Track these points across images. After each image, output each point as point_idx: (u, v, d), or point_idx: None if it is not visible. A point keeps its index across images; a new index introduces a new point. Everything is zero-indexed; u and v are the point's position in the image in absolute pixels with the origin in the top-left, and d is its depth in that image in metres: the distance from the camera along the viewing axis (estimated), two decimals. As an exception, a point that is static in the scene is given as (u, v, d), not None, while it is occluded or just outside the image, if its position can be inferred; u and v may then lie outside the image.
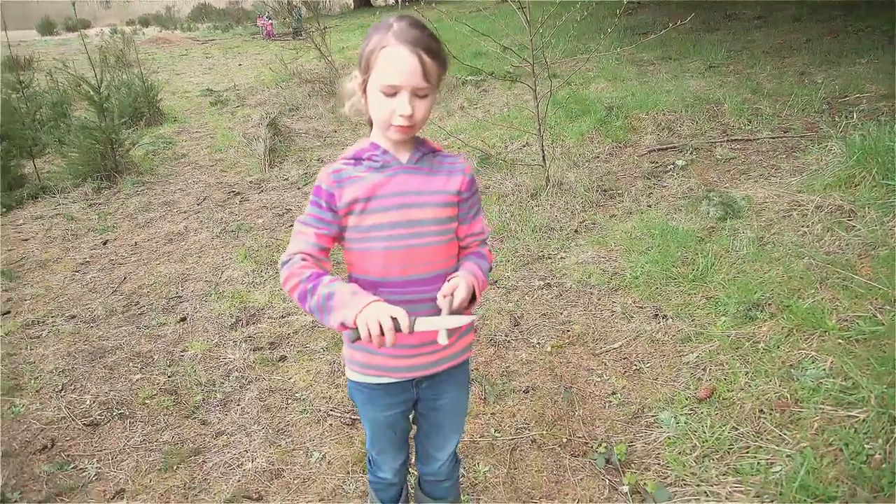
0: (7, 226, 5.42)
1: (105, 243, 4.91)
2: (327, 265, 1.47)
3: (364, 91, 1.44)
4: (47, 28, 31.01)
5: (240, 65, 15.04)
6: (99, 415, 2.79)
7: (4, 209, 5.74)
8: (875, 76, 6.29)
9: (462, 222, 1.56)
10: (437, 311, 1.45)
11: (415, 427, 1.79)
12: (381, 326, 1.28)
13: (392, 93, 1.37)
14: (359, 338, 1.30)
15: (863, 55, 7.20)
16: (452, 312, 1.42)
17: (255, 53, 17.07)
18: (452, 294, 1.44)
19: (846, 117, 5.26)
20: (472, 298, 1.50)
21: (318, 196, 1.46)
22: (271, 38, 20.79)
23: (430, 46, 1.38)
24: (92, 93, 6.25)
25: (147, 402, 2.87)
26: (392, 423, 1.68)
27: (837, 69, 6.87)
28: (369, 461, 1.83)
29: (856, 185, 3.92)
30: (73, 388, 3.00)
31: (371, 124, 1.54)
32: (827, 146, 4.69)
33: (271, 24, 21.59)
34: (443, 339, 1.36)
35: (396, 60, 1.35)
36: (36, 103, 7.90)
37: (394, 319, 1.30)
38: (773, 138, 5.30)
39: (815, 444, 2.17)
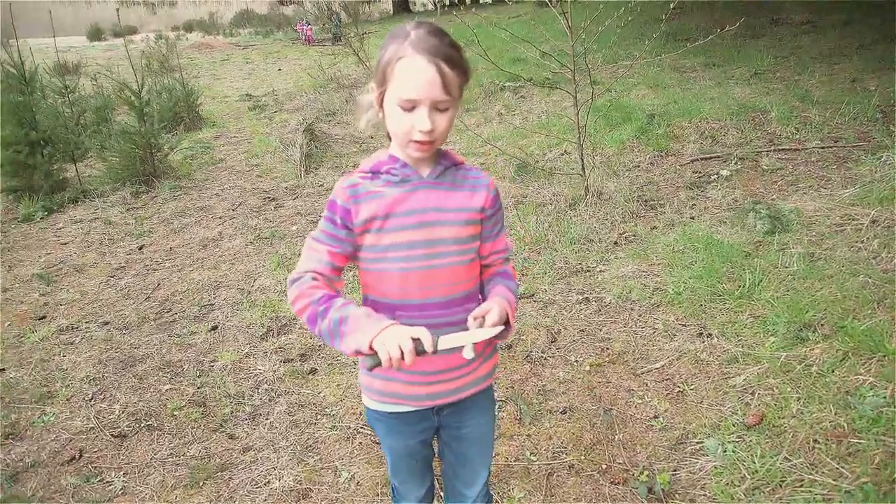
0: (47, 229, 5.51)
1: (141, 248, 4.94)
2: (339, 285, 1.39)
3: (381, 105, 1.35)
4: (96, 34, 31.77)
5: (279, 70, 15.18)
6: (127, 426, 2.76)
7: (46, 213, 5.83)
8: (932, 83, 6.02)
9: (485, 240, 1.47)
10: None
11: (439, 460, 1.69)
12: (401, 349, 1.20)
13: (410, 107, 1.28)
14: (377, 364, 1.21)
15: (919, 61, 6.90)
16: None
17: (294, 59, 17.24)
18: (483, 317, 1.35)
19: (902, 126, 5.03)
20: (506, 325, 1.40)
21: (332, 212, 1.37)
22: (311, 43, 20.99)
23: (450, 56, 1.28)
24: (133, 98, 6.33)
25: (175, 413, 2.84)
26: (412, 452, 1.59)
27: (892, 76, 6.59)
28: (393, 490, 1.73)
29: (915, 198, 3.72)
30: (102, 397, 2.99)
31: (390, 136, 1.46)
32: (882, 157, 4.47)
33: (311, 29, 21.80)
34: (468, 354, 1.28)
35: (414, 72, 1.25)
36: (80, 108, 8.04)
37: (415, 340, 1.21)
38: (823, 148, 5.09)
39: (878, 479, 2.01)
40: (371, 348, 1.22)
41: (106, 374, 3.17)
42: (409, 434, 1.55)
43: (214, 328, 3.59)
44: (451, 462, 1.64)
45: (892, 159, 4.33)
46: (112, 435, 2.71)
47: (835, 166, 4.72)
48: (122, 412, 2.86)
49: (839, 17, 9.98)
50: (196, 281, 4.24)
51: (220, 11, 40.76)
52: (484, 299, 1.49)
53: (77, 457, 2.57)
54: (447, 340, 1.26)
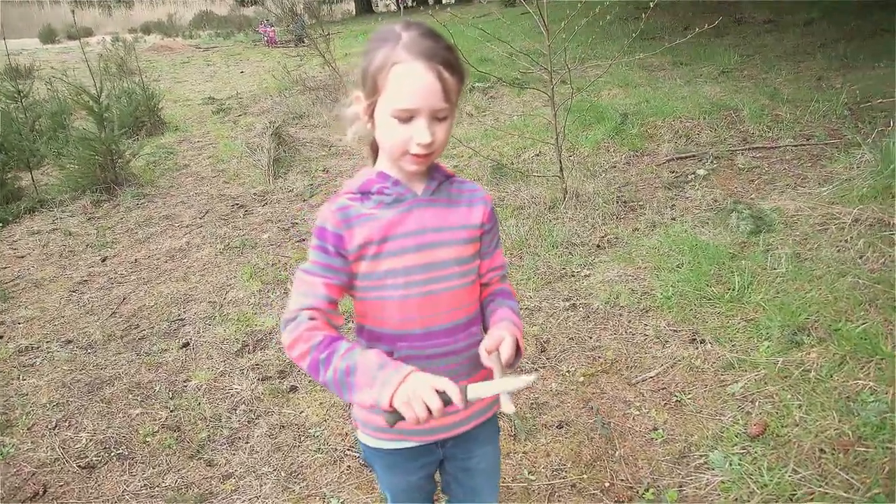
0: (2, 242, 5.23)
1: (104, 260, 4.71)
2: (338, 320, 1.24)
3: (371, 116, 1.21)
4: (49, 36, 30.77)
5: (242, 72, 14.85)
6: (96, 456, 2.58)
7: (0, 224, 5.55)
8: (896, 80, 6.11)
9: (483, 256, 1.37)
10: (463, 365, 1.29)
11: (443, 495, 1.57)
12: (427, 407, 1.08)
13: (407, 117, 1.15)
14: (400, 420, 1.09)
15: (880, 59, 7.01)
16: (504, 369, 1.22)
17: (257, 61, 16.89)
18: (498, 349, 1.24)
19: (870, 123, 5.07)
20: (517, 351, 1.29)
21: (322, 240, 1.23)
22: (273, 45, 20.62)
23: (449, 60, 1.16)
24: (91, 103, 6.07)
25: (148, 440, 2.66)
26: (415, 488, 1.47)
27: (855, 73, 6.69)
28: None
29: (893, 197, 3.72)
30: (67, 424, 2.79)
31: (374, 150, 1.32)
32: (856, 154, 4.49)
33: (273, 30, 21.43)
34: (509, 408, 1.13)
35: (412, 80, 1.13)
36: (35, 113, 7.71)
37: (441, 393, 1.09)
38: (796, 146, 5.11)
39: (890, 490, 1.96)
40: (391, 405, 1.09)
41: (71, 399, 2.97)
42: (411, 470, 1.42)
43: (186, 345, 3.41)
44: (458, 496, 1.51)
45: (865, 157, 4.34)
46: (79, 466, 2.52)
47: (809, 164, 4.74)
48: (90, 440, 2.67)
49: (800, 16, 10.14)
50: (164, 294, 4.04)
51: (179, 13, 39.92)
52: (485, 322, 1.38)
53: (41, 492, 2.38)
54: (475, 391, 1.13)
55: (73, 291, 4.22)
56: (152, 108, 8.66)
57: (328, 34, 10.55)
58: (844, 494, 1.98)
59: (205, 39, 27.82)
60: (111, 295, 4.12)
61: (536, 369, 2.89)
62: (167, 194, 6.18)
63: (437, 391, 1.08)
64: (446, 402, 1.08)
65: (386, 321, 1.27)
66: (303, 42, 15.93)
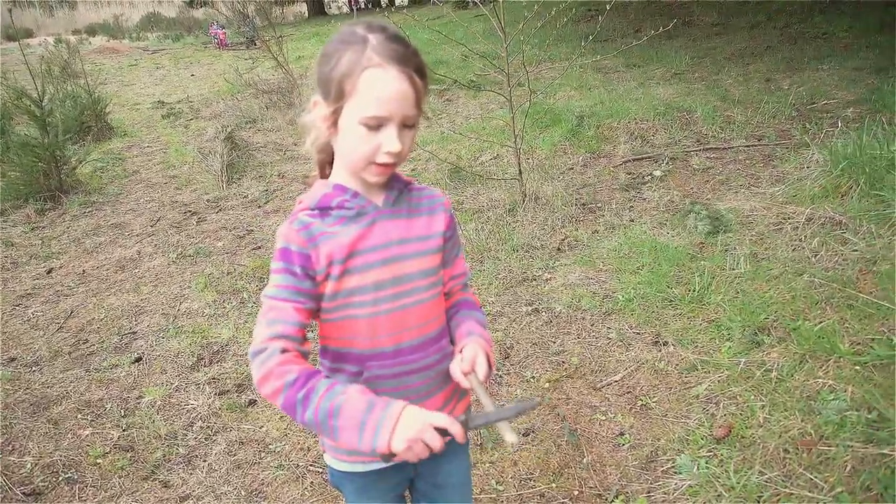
0: (-62, 255, 4.97)
1: (49, 272, 4.51)
2: (307, 346, 1.17)
3: (333, 124, 1.14)
4: (-15, 38, 29.65)
5: (192, 75, 14.52)
6: (42, 481, 2.44)
7: (-64, 236, 5.28)
8: (839, 82, 6.31)
9: (445, 265, 1.32)
10: (435, 380, 1.26)
11: None
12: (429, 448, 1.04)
13: (377, 125, 1.09)
14: (394, 456, 1.04)
15: (823, 61, 7.24)
16: (482, 387, 1.19)
17: (207, 63, 16.54)
18: (473, 369, 1.21)
19: (817, 124, 5.21)
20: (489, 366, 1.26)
21: (287, 261, 1.15)
22: (224, 47, 20.23)
23: (419, 65, 1.12)
24: (33, 107, 5.82)
25: (99, 461, 2.54)
26: None
27: (801, 75, 6.88)
28: None
29: (843, 196, 3.81)
30: (11, 448, 2.64)
31: (324, 163, 1.26)
32: (805, 154, 4.59)
33: (224, 33, 21.03)
34: (511, 438, 1.08)
35: (384, 86, 1.07)
36: (-29, 119, 7.37)
37: (440, 430, 1.05)
38: (748, 146, 5.22)
39: (852, 488, 1.98)
40: (389, 448, 1.04)
41: (14, 421, 2.81)
42: (383, 490, 1.37)
43: (138, 360, 3.28)
44: None
45: (815, 157, 4.45)
46: (24, 493, 2.38)
47: (761, 164, 4.83)
48: (35, 465, 2.52)
49: (746, 19, 10.40)
50: (115, 306, 3.89)
51: (126, 14, 38.86)
52: (450, 334, 1.34)
53: (-17, 523, 2.26)
54: (474, 421, 1.10)
55: (17, 305, 4.03)
56: (99, 112, 8.38)
57: (280, 36, 10.39)
58: (809, 494, 2.00)
59: (153, 41, 27.16)
60: (57, 308, 3.94)
61: (500, 376, 2.86)
62: (116, 202, 5.97)
63: (437, 430, 1.05)
64: (444, 436, 1.05)
65: (353, 341, 1.21)
66: (254, 44, 15.66)
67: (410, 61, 1.10)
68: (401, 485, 1.41)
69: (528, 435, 2.49)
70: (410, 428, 1.04)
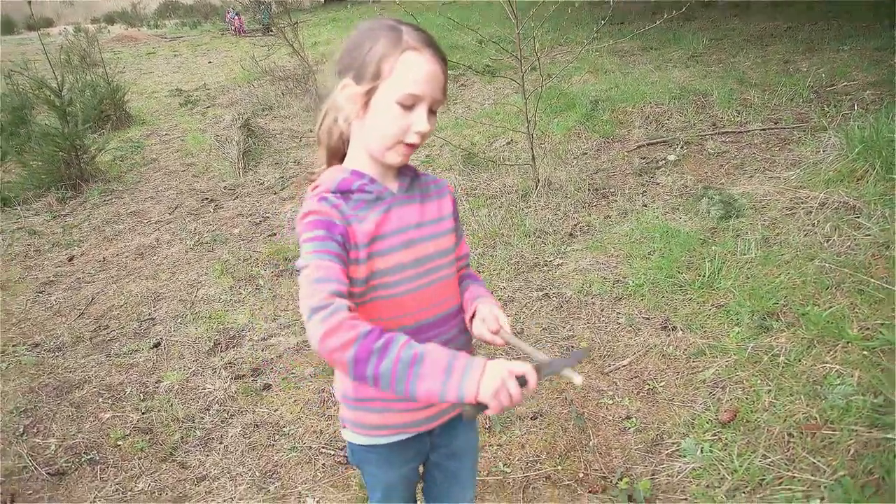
0: (-36, 243, 5.10)
1: (71, 259, 4.62)
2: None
3: (365, 105, 1.19)
4: (7, 27, 29.98)
5: (209, 62, 14.60)
6: (66, 461, 2.53)
7: (-38, 224, 5.41)
8: (860, 63, 6.19)
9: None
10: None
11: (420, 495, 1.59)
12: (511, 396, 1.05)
13: (412, 104, 1.16)
14: (480, 410, 1.05)
15: (844, 42, 7.11)
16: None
17: (224, 50, 16.61)
18: (500, 325, 1.31)
19: (835, 107, 5.14)
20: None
21: (329, 230, 1.14)
22: (241, 34, 20.29)
23: (445, 56, 1.21)
24: (53, 97, 5.92)
25: (119, 443, 2.62)
26: (406, 479, 1.49)
27: (821, 56, 6.77)
28: None
29: (858, 180, 3.78)
30: (35, 430, 2.74)
31: (333, 154, 1.31)
32: (822, 138, 4.55)
33: (241, 19, 21.07)
34: (578, 380, 1.13)
35: (421, 67, 1.16)
36: (-6, 108, 7.52)
37: (519, 377, 1.06)
38: (764, 130, 5.16)
39: (854, 472, 2.00)
40: (477, 398, 1.03)
41: (38, 404, 2.91)
42: (403, 462, 1.44)
43: (157, 345, 3.36)
44: (439, 482, 1.54)
45: (831, 141, 4.40)
46: (49, 473, 2.47)
47: (777, 148, 4.79)
48: (59, 446, 2.62)
49: (767, -1, 10.23)
50: (134, 293, 3.98)
51: (144, 2, 39.03)
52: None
53: (9, 501, 2.34)
54: (546, 371, 1.15)
55: (40, 293, 4.13)
56: (117, 101, 8.48)
57: (296, 23, 10.40)
58: (811, 477, 2.02)
59: (171, 29, 27.30)
60: (79, 295, 4.04)
61: (510, 360, 2.89)
62: (135, 190, 6.07)
63: (518, 376, 1.06)
64: (522, 385, 1.06)
65: (378, 322, 1.22)
66: (270, 31, 15.70)
67: (440, 51, 1.19)
68: (418, 456, 1.46)
69: (536, 419, 2.53)
70: (496, 376, 1.04)
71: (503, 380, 1.04)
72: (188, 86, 11.34)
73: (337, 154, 1.32)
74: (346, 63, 1.21)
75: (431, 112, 1.20)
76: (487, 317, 1.32)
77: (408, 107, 1.16)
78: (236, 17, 21.02)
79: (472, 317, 1.36)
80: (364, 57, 1.17)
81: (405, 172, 1.31)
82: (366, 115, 1.20)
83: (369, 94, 1.18)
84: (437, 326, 1.31)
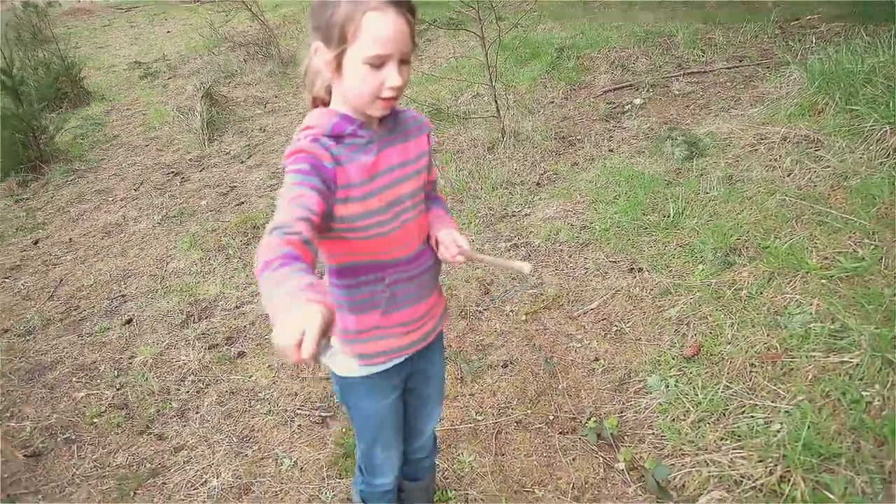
0: (-74, 232, 5.00)
1: (36, 243, 4.55)
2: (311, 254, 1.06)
3: (337, 68, 1.20)
4: (-45, 8, 28.91)
5: (168, 32, 14.15)
6: (42, 443, 2.54)
7: (-78, 214, 5.29)
8: (826, -6, 6.16)
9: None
10: (433, 279, 1.47)
11: None
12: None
13: (380, 63, 1.17)
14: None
15: (811, -28, 7.05)
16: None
17: (183, 18, 16.10)
18: (461, 247, 1.39)
19: (800, 41, 5.13)
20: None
21: (316, 167, 1.16)
22: (199, 0, 19.73)
23: (410, 2, 1.19)
24: (3, 77, 5.74)
25: (95, 421, 2.63)
26: (395, 406, 1.55)
27: (787, -9, 6.72)
28: (362, 470, 1.65)
29: (819, 113, 3.80)
30: (9, 414, 2.73)
31: (318, 98, 1.34)
32: (785, 73, 4.55)
33: (197, -15, 20.44)
34: (527, 268, 1.39)
35: (385, 27, 1.15)
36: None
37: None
38: (730, 68, 5.15)
39: (812, 395, 2.06)
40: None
41: (11, 388, 2.90)
42: (390, 388, 1.50)
43: (129, 322, 3.35)
44: (413, 405, 1.62)
45: (794, 75, 4.41)
46: (25, 455, 2.48)
47: (742, 86, 4.79)
48: (34, 428, 2.62)
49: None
50: (103, 272, 3.93)
51: (96, -27, 37.66)
52: None
53: (-13, 485, 2.36)
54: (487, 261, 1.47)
55: (6, 278, 4.07)
56: (74, 77, 8.23)
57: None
58: (771, 404, 2.08)
59: (126, -1, 26.42)
60: (47, 278, 3.99)
61: (480, 311, 2.93)
62: (98, 168, 5.95)
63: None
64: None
65: (357, 258, 1.33)
66: (229, -5, 15.25)
67: (403, 1, 1.17)
68: (402, 382, 1.53)
69: (507, 367, 2.57)
70: (289, 326, 0.89)
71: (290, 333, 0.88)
72: (147, 58, 11.02)
73: (321, 100, 1.35)
74: (314, 25, 1.22)
75: (403, 62, 1.20)
76: (446, 241, 1.39)
77: (377, 66, 1.17)
78: (193, -16, 20.36)
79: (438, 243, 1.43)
80: (329, 20, 1.17)
81: (388, 114, 1.32)
82: (340, 77, 1.22)
83: (339, 57, 1.19)
84: (420, 257, 1.40)
